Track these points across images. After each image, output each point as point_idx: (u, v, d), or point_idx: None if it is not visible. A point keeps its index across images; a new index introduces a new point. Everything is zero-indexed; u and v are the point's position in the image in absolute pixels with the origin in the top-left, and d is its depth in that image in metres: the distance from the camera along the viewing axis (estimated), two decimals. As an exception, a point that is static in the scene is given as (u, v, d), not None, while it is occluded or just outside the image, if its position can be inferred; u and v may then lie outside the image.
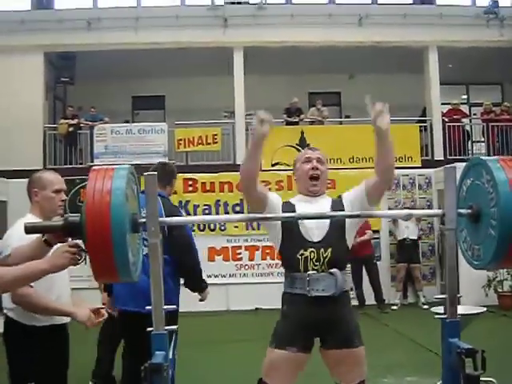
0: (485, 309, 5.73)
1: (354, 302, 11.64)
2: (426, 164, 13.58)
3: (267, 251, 11.88)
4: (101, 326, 5.79)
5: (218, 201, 12.60)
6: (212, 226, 12.35)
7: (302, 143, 13.58)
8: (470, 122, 15.59)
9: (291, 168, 3.70)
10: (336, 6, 15.07)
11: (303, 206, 3.34)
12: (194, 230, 11.86)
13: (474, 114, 16.20)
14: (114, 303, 4.59)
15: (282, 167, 12.55)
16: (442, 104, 14.95)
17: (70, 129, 14.11)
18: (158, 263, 2.50)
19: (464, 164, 2.75)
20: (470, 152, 14.97)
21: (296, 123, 14.37)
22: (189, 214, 12.40)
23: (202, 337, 8.76)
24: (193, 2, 15.61)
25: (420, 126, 14.56)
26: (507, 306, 10.85)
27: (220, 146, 13.92)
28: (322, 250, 3.20)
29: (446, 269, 2.66)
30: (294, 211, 3.30)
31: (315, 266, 3.19)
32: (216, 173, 12.73)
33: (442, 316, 2.63)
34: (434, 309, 5.38)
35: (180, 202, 12.49)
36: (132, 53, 14.02)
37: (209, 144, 13.88)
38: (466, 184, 2.67)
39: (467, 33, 14.30)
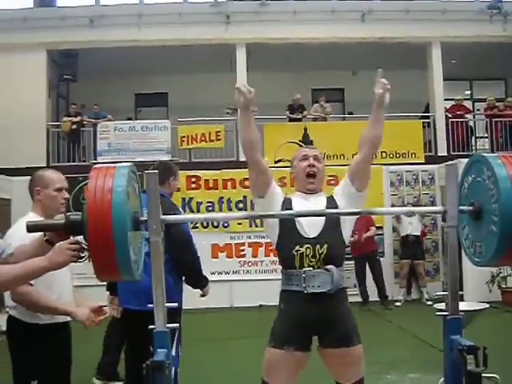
0: (488, 305, 5.73)
1: (358, 299, 11.67)
2: (429, 160, 13.57)
3: (270, 248, 11.83)
4: (109, 322, 5.82)
5: (222, 198, 12.61)
6: (215, 223, 12.34)
7: (306, 140, 13.57)
8: (474, 117, 15.57)
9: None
10: (339, 2, 15.03)
11: (300, 202, 3.35)
12: (197, 227, 11.91)
13: (478, 110, 16.18)
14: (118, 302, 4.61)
15: (286, 164, 12.55)
16: (446, 100, 14.94)
17: (73, 126, 14.12)
18: (159, 261, 2.51)
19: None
20: (473, 148, 14.97)
21: (299, 120, 14.34)
22: (192, 211, 12.43)
23: (206, 334, 8.77)
24: (195, -2, 15.61)
25: (423, 122, 14.54)
26: (511, 302, 10.84)
27: (223, 142, 13.92)
28: (318, 246, 3.19)
29: (448, 266, 2.66)
30: (290, 208, 3.33)
31: (311, 262, 3.18)
32: (219, 170, 12.74)
33: (444, 313, 2.63)
34: (437, 305, 5.38)
35: (183, 198, 12.51)
36: (135, 50, 14.02)
37: (212, 141, 13.88)
38: (467, 181, 2.67)
39: (470, 28, 14.26)
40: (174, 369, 4.03)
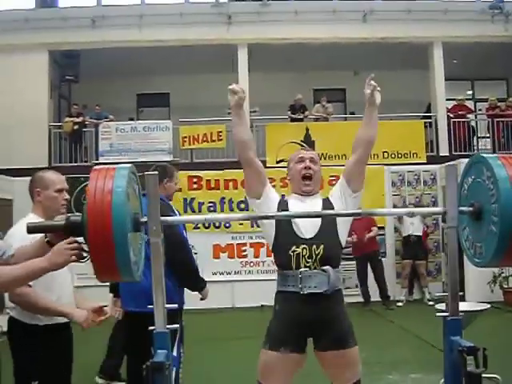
0: (489, 305, 5.73)
1: (360, 299, 11.66)
2: (431, 160, 13.56)
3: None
4: (114, 324, 5.83)
5: (223, 198, 12.60)
6: (217, 224, 12.32)
7: (307, 140, 13.58)
8: (476, 117, 15.56)
9: None
10: (340, 3, 15.05)
11: (296, 204, 3.37)
12: (198, 228, 11.94)
13: (479, 110, 16.15)
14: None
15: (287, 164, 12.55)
16: (447, 100, 14.94)
17: (75, 127, 14.15)
18: (159, 262, 2.51)
19: (470, 160, 2.76)
20: (475, 148, 14.96)
21: (301, 120, 14.35)
22: (194, 212, 12.43)
23: (207, 334, 8.77)
24: (197, -1, 15.63)
25: (425, 122, 14.53)
26: (513, 303, 10.84)
27: (225, 143, 13.92)
28: (315, 246, 3.20)
29: (448, 267, 2.66)
30: (287, 209, 3.35)
31: (307, 262, 3.19)
32: (221, 170, 12.74)
33: (444, 314, 2.63)
34: (438, 306, 5.39)
35: (185, 199, 12.51)
36: (136, 50, 14.06)
37: (213, 141, 13.88)
38: (467, 182, 2.67)
39: (472, 28, 14.26)
40: (174, 370, 4.05)
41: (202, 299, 4.70)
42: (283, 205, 3.37)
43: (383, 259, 12.17)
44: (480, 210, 2.54)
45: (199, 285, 4.62)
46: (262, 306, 10.91)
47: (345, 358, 3.20)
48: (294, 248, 3.21)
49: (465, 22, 14.28)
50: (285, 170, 3.71)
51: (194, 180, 12.77)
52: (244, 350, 7.74)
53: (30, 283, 3.07)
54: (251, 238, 12.26)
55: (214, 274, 12.39)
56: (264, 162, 13.75)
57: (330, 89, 16.10)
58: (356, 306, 11.29)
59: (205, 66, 14.63)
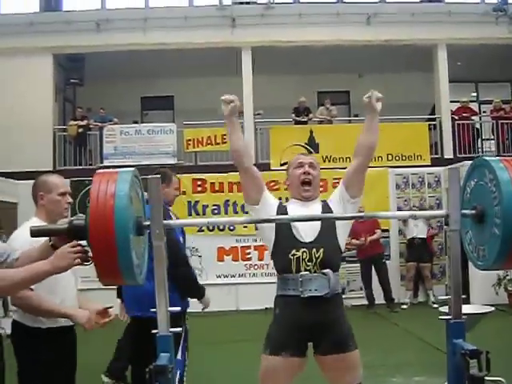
0: (493, 308, 5.71)
1: (364, 302, 11.66)
2: (435, 162, 13.54)
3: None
4: (126, 326, 5.84)
5: (227, 201, 12.61)
6: (221, 227, 12.33)
7: (311, 142, 13.60)
8: (480, 119, 15.53)
9: None
10: (344, 5, 15.06)
11: (296, 209, 3.37)
12: (203, 231, 11.96)
13: (484, 112, 16.12)
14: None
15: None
16: (452, 102, 14.91)
17: (80, 130, 14.17)
18: (162, 266, 2.52)
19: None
20: (479, 150, 14.94)
21: (305, 122, 14.35)
22: (198, 214, 12.46)
23: (212, 337, 8.77)
24: (201, 2, 15.61)
25: (429, 124, 14.51)
26: (517, 305, 10.82)
27: (229, 146, 13.87)
28: (314, 250, 3.21)
29: (451, 270, 2.66)
30: (286, 214, 3.36)
31: (307, 266, 3.19)
32: (225, 173, 12.73)
33: (447, 317, 2.63)
34: (442, 308, 5.36)
35: (189, 202, 12.54)
36: (141, 54, 14.07)
37: (218, 144, 13.87)
38: (469, 186, 2.68)
39: (476, 30, 14.21)
40: (179, 373, 4.05)
41: (203, 309, 4.62)
42: (282, 210, 3.39)
43: (387, 262, 12.18)
44: (483, 213, 2.54)
45: (197, 291, 4.56)
46: (266, 308, 10.90)
47: (345, 362, 3.20)
48: (293, 252, 3.22)
49: (469, 24, 14.24)
50: (289, 172, 3.69)
51: (199, 183, 12.81)
52: (248, 353, 7.72)
53: (32, 286, 3.08)
54: (255, 240, 12.26)
55: (219, 276, 12.43)
56: (268, 165, 13.79)
57: (334, 91, 16.10)
58: (360, 309, 11.29)
59: (209, 68, 14.63)
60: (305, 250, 3.21)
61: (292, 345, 3.17)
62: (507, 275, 10.95)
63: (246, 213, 13.27)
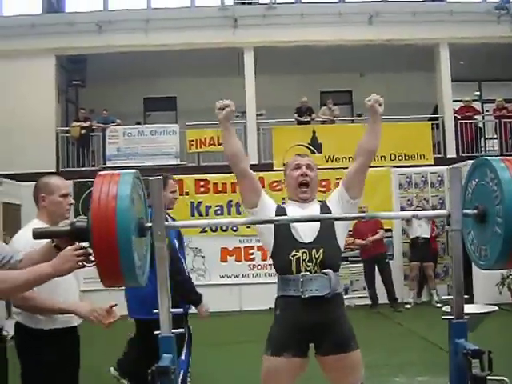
0: (496, 308, 5.71)
1: (367, 301, 11.65)
2: (438, 162, 13.52)
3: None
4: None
5: (230, 201, 12.60)
6: (224, 227, 12.33)
7: (314, 142, 13.59)
8: (483, 118, 15.51)
9: None
10: (346, 5, 15.07)
11: (295, 211, 3.37)
12: (206, 231, 11.98)
13: (487, 111, 16.10)
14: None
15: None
16: (454, 101, 14.89)
17: (83, 131, 14.20)
18: (164, 267, 2.52)
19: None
20: (482, 149, 14.91)
21: (307, 122, 14.35)
22: (201, 215, 12.46)
23: (215, 337, 8.75)
24: (203, 3, 15.62)
25: (432, 124, 14.51)
26: (521, 304, 10.80)
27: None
28: (314, 250, 3.21)
29: (453, 270, 2.66)
30: (285, 215, 3.35)
31: (308, 266, 3.19)
32: (228, 173, 12.66)
33: (449, 317, 2.63)
34: (445, 308, 5.37)
35: (192, 202, 12.54)
36: (143, 54, 14.09)
37: (220, 144, 13.66)
38: (471, 186, 2.68)
39: (478, 29, 14.21)
40: (182, 374, 4.06)
41: (201, 317, 4.57)
42: (281, 211, 3.38)
43: (391, 261, 12.14)
44: (484, 213, 2.55)
45: (192, 297, 4.51)
46: (269, 308, 10.87)
47: (346, 362, 3.20)
48: (293, 252, 3.21)
49: (471, 23, 14.23)
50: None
51: (201, 183, 12.80)
52: (252, 354, 7.72)
53: (34, 289, 3.08)
54: (259, 241, 12.12)
55: (222, 277, 12.43)
56: (271, 165, 13.76)
57: (336, 91, 16.10)
58: (364, 309, 11.29)
59: (211, 69, 14.64)
60: (305, 250, 3.21)
61: (293, 345, 3.17)
62: (511, 274, 10.91)
63: (249, 213, 13.07)
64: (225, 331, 9.71)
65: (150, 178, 2.54)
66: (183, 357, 4.35)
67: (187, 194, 12.55)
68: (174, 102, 16.73)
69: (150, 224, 2.50)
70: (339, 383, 3.28)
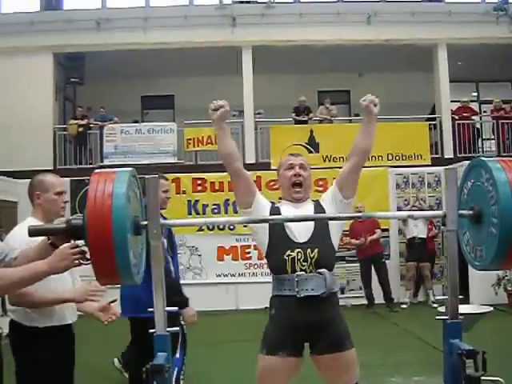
0: (491, 308, 5.72)
1: (363, 301, 11.66)
2: (435, 162, 13.52)
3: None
4: None
5: (227, 200, 12.59)
6: (221, 226, 12.34)
7: (312, 142, 13.60)
8: (480, 119, 15.53)
9: None
10: (344, 5, 15.05)
11: (289, 210, 3.38)
12: (202, 230, 11.95)
13: (484, 112, 16.11)
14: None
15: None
16: (452, 102, 14.91)
17: (80, 129, 14.16)
18: (159, 265, 2.52)
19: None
20: (480, 150, 14.93)
21: (305, 122, 14.34)
22: (198, 214, 12.47)
23: (212, 336, 8.75)
24: (201, 1, 15.61)
25: (429, 124, 14.50)
26: (517, 305, 10.81)
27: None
28: (309, 250, 3.21)
29: (447, 270, 2.66)
30: (280, 215, 3.35)
31: (303, 266, 3.19)
32: (225, 172, 12.60)
33: (443, 317, 2.63)
34: (441, 308, 5.37)
35: (189, 201, 12.54)
36: (141, 53, 14.07)
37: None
38: (466, 187, 2.69)
39: (476, 30, 14.20)
40: (176, 372, 4.06)
41: (185, 323, 4.53)
42: (275, 211, 3.39)
43: (387, 261, 12.17)
44: (480, 213, 2.55)
45: (178, 299, 4.35)
46: (266, 308, 10.88)
47: (341, 361, 3.20)
48: (288, 252, 3.22)
49: (469, 23, 14.23)
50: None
51: (199, 182, 12.81)
52: (248, 353, 7.72)
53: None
54: (255, 239, 12.24)
55: (218, 276, 12.44)
56: (268, 164, 13.77)
57: (334, 91, 16.12)
58: (360, 308, 11.30)
59: (209, 68, 14.64)
60: (299, 250, 3.21)
61: (288, 345, 3.17)
62: (506, 275, 10.94)
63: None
64: (221, 330, 9.72)
65: (146, 177, 2.54)
66: (177, 355, 4.34)
67: (184, 192, 12.56)
68: (172, 101, 16.72)
69: (145, 222, 2.50)
70: (334, 382, 3.28)
